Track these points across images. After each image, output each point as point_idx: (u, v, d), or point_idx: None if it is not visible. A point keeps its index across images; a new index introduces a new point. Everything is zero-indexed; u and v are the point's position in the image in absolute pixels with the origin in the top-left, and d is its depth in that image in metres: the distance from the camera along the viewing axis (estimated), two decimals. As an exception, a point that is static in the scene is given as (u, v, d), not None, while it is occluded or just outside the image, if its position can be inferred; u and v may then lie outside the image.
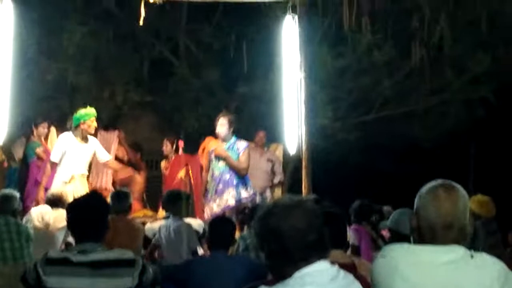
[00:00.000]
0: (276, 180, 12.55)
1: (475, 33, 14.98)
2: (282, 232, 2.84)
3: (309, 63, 11.13)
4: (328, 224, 2.99)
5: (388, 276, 3.16)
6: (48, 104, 14.98)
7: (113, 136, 12.57)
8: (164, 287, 5.66)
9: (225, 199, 10.22)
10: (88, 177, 11.28)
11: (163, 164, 12.99)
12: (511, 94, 15.94)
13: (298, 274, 2.82)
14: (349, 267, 3.73)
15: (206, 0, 12.24)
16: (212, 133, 10.84)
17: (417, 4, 14.84)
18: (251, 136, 12.68)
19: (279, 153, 13.06)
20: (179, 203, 8.49)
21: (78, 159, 10.61)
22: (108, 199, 7.67)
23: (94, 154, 11.07)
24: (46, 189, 10.20)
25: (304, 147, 10.83)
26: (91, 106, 11.01)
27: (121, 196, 8.20)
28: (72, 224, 4.57)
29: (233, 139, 10.47)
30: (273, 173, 12.52)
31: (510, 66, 15.24)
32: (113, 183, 12.32)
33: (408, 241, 3.32)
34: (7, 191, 8.00)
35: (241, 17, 15.50)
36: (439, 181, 3.27)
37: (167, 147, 12.78)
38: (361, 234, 7.88)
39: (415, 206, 3.27)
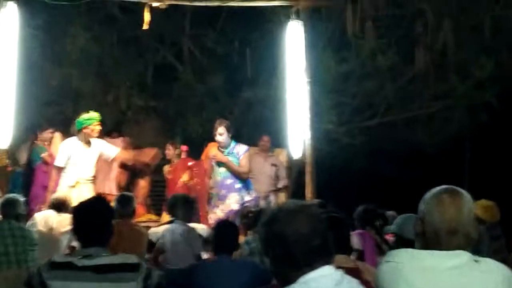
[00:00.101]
0: (280, 185, 12.54)
1: (478, 38, 14.98)
2: (287, 237, 2.84)
3: (313, 68, 11.17)
4: (332, 229, 2.99)
5: (393, 281, 3.16)
6: (52, 109, 15.02)
7: (118, 143, 12.56)
8: (168, 292, 5.67)
9: (228, 204, 10.23)
10: (93, 182, 11.28)
11: (166, 168, 13.00)
12: (515, 99, 15.94)
13: (302, 279, 2.82)
14: (354, 272, 3.74)
15: (210, 5, 12.23)
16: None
17: (420, 10, 14.85)
18: (255, 141, 12.68)
19: (283, 157, 13.06)
20: (184, 207, 8.49)
21: (83, 163, 10.61)
22: (113, 203, 7.68)
23: (100, 157, 11.06)
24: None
25: (308, 152, 10.85)
26: (95, 111, 11.00)
27: (125, 200, 8.20)
28: (77, 228, 4.57)
29: (233, 143, 10.47)
30: (277, 177, 12.51)
31: (513, 71, 15.26)
32: (119, 189, 12.32)
33: (413, 246, 3.32)
34: (12, 195, 8.00)
35: (245, 22, 15.53)
36: (443, 187, 3.27)
37: (170, 151, 12.78)
38: (365, 238, 7.87)
39: (419, 211, 3.27)
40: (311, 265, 2.83)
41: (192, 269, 6.32)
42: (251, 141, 12.46)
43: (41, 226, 8.73)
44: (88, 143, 10.66)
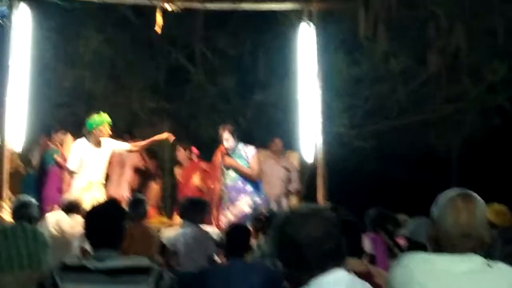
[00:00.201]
0: (292, 188, 12.52)
1: (491, 42, 14.94)
2: (299, 240, 2.85)
3: (325, 70, 11.17)
4: (344, 233, 2.99)
5: (405, 285, 3.15)
6: (64, 110, 15.06)
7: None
8: (180, 295, 5.67)
9: (239, 206, 10.23)
10: (105, 185, 11.31)
11: (177, 171, 13.01)
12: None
13: (314, 282, 2.82)
14: (365, 276, 3.74)
15: (222, 7, 12.25)
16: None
17: (433, 12, 14.81)
18: (267, 143, 12.68)
19: (294, 160, 13.04)
20: (196, 210, 8.50)
21: (94, 164, 10.64)
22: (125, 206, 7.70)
23: (113, 158, 11.08)
24: None
25: (319, 155, 10.85)
26: (107, 112, 11.03)
27: (137, 202, 8.24)
28: (90, 231, 4.58)
29: (240, 145, 10.47)
30: (289, 180, 12.48)
31: (526, 75, 15.21)
32: (131, 191, 12.33)
33: (425, 250, 3.32)
34: (25, 197, 8.01)
35: (257, 25, 15.52)
36: (456, 190, 3.27)
37: (181, 153, 12.79)
38: (377, 242, 7.86)
39: (432, 215, 3.27)
40: (323, 268, 2.83)
41: (204, 272, 6.32)
42: (262, 144, 12.46)
43: (53, 229, 8.75)
44: (98, 144, 10.69)
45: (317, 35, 11.08)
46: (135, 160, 12.71)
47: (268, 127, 15.10)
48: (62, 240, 8.66)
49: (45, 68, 14.13)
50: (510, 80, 15.22)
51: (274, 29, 15.34)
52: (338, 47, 15.06)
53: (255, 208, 10.16)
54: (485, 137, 16.54)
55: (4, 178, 9.74)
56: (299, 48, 11.38)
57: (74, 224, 8.75)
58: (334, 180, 11.30)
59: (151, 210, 10.29)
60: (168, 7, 10.67)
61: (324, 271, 2.83)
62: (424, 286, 3.10)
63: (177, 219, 10.26)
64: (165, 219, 11.77)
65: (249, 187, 10.33)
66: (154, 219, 11.27)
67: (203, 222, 8.67)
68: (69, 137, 12.08)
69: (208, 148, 13.17)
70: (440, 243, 3.21)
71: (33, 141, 11.91)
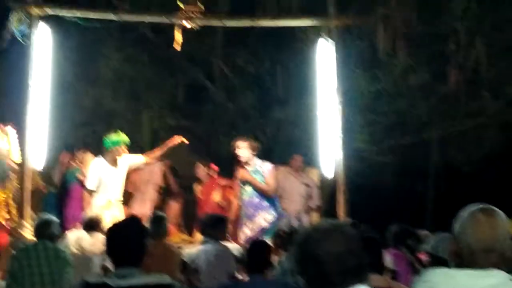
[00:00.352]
0: (312, 204, 12.51)
1: (511, 57, 14.91)
2: (321, 256, 2.83)
3: (345, 87, 11.16)
4: (365, 249, 2.98)
5: (428, 301, 3.14)
6: (85, 129, 15.14)
7: (158, 166, 12.61)
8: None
9: (257, 222, 10.23)
10: (129, 203, 11.38)
11: (197, 188, 13.02)
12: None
13: (337, 299, 2.82)
14: (388, 292, 3.73)
15: (240, 24, 12.29)
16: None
17: (453, 28, 14.81)
18: (287, 160, 12.68)
19: (315, 177, 13.03)
20: (219, 227, 8.50)
21: (112, 183, 10.69)
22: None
23: (137, 176, 11.11)
24: None
25: (340, 171, 10.83)
26: (127, 131, 11.07)
27: (158, 220, 8.24)
28: (111, 249, 4.58)
29: (257, 161, 10.47)
30: (309, 197, 12.47)
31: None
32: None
33: (447, 265, 3.30)
34: (46, 216, 8.03)
35: (276, 42, 15.57)
36: (478, 205, 3.25)
37: (200, 170, 12.81)
38: (398, 258, 7.82)
39: (454, 230, 3.25)
40: (346, 285, 2.82)
41: (225, 288, 6.32)
42: (282, 160, 12.47)
43: (73, 247, 8.78)
44: (115, 162, 10.74)
45: (336, 51, 11.07)
46: (159, 178, 12.74)
47: (288, 144, 15.12)
48: (83, 258, 8.68)
49: (65, 87, 14.23)
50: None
51: (293, 46, 15.37)
52: (357, 63, 15.06)
53: (272, 223, 10.17)
54: (505, 151, 16.47)
55: (25, 196, 9.78)
56: (318, 65, 11.38)
57: (95, 242, 8.78)
58: (355, 196, 11.27)
59: (171, 228, 10.29)
60: (187, 24, 10.71)
61: (346, 287, 2.82)
62: (447, 301, 3.08)
63: (197, 236, 10.26)
64: (185, 236, 11.78)
65: (265, 203, 10.32)
66: (174, 237, 11.27)
67: (223, 238, 8.66)
68: (90, 156, 12.12)
69: (227, 165, 13.19)
70: (462, 258, 3.19)
71: (54, 160, 11.95)
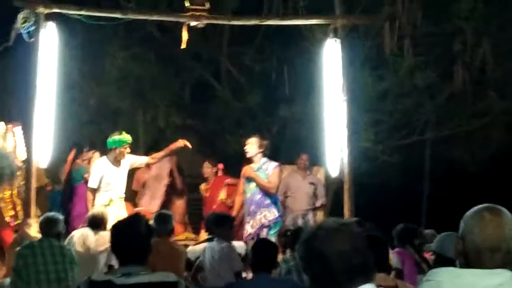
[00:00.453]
0: (318, 203, 12.52)
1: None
2: (327, 255, 2.83)
3: (351, 86, 11.14)
4: (370, 247, 2.97)
5: (433, 300, 3.13)
6: (91, 127, 15.15)
7: (166, 161, 12.62)
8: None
9: (258, 219, 10.26)
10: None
11: (202, 187, 13.02)
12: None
13: (343, 297, 2.81)
14: (393, 291, 3.72)
15: (247, 23, 12.28)
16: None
17: (459, 27, 14.78)
18: (293, 159, 12.68)
19: (320, 176, 13.04)
20: (224, 226, 8.50)
21: (115, 182, 10.71)
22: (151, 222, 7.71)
23: (146, 174, 11.12)
24: None
25: (345, 170, 10.82)
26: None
27: (163, 218, 8.24)
28: (116, 247, 4.58)
29: (264, 160, 10.51)
30: (315, 196, 12.48)
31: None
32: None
33: (453, 264, 3.29)
34: (52, 214, 8.04)
35: (283, 41, 15.57)
36: (484, 205, 3.23)
37: (208, 169, 12.82)
38: (404, 257, 7.82)
39: (460, 230, 3.24)
40: (351, 283, 2.81)
41: (230, 287, 6.31)
42: (288, 159, 12.48)
43: (78, 246, 8.77)
44: (118, 162, 10.76)
45: (343, 50, 11.05)
46: (167, 174, 12.77)
47: (294, 142, 15.12)
48: (88, 256, 8.68)
49: (71, 85, 14.24)
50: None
51: (299, 45, 15.36)
52: (364, 62, 15.05)
53: (273, 222, 10.21)
54: (511, 151, 16.44)
55: (31, 194, 9.79)
56: (325, 64, 11.37)
57: (100, 240, 8.77)
58: (360, 195, 11.26)
59: (177, 226, 10.30)
60: (194, 23, 10.70)
61: (352, 286, 2.81)
62: (452, 301, 3.07)
63: (203, 234, 10.27)
64: (191, 235, 11.78)
65: (267, 201, 10.36)
66: (180, 235, 11.28)
67: (229, 237, 8.66)
68: (96, 155, 12.14)
69: (234, 163, 13.21)
70: (468, 258, 3.17)
71: (59, 158, 11.96)
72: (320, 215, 12.55)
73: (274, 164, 10.55)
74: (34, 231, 8.85)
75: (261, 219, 10.25)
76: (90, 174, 11.29)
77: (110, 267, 7.99)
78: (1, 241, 10.10)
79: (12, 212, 10.27)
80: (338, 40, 11.07)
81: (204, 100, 17.11)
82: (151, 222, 7.75)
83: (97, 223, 9.09)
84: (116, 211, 10.18)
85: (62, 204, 11.88)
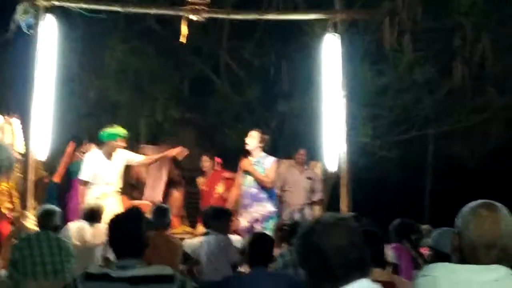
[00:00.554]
0: (315, 198, 12.51)
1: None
2: (324, 249, 2.83)
3: (350, 81, 11.13)
4: (366, 242, 2.98)
5: (429, 294, 3.13)
6: (89, 120, 15.14)
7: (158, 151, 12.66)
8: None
9: (251, 212, 10.29)
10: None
11: (200, 180, 13.03)
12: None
13: (339, 292, 2.81)
14: (388, 286, 3.72)
15: (247, 18, 12.26)
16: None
17: (459, 23, 14.78)
18: (291, 153, 12.69)
19: (318, 170, 13.03)
20: (222, 219, 8.50)
21: (107, 176, 10.70)
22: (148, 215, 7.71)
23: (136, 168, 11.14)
24: None
25: (343, 165, 10.82)
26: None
27: (160, 212, 8.24)
28: (112, 240, 4.58)
29: (262, 154, 10.53)
30: (312, 191, 12.48)
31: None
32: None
33: (449, 260, 3.29)
34: (49, 206, 8.04)
35: (282, 35, 15.57)
36: (480, 201, 3.24)
37: (206, 163, 12.83)
38: (401, 252, 7.82)
39: (456, 226, 3.24)
40: (348, 278, 2.82)
41: (227, 281, 6.30)
42: (286, 154, 12.48)
43: (75, 239, 8.76)
44: (111, 155, 10.75)
45: (342, 45, 11.04)
46: (169, 162, 12.80)
47: (292, 137, 15.13)
48: (84, 249, 8.67)
49: (70, 78, 14.23)
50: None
51: (299, 40, 15.36)
52: (363, 57, 15.06)
53: (267, 216, 10.23)
54: (510, 147, 16.45)
55: (28, 187, 9.78)
56: (324, 59, 11.36)
57: (96, 233, 8.77)
58: (358, 190, 11.26)
59: (173, 219, 10.30)
60: (193, 17, 10.68)
61: (348, 281, 2.82)
62: (448, 296, 3.08)
63: (200, 228, 10.28)
64: (188, 228, 11.79)
65: (262, 195, 10.37)
66: (177, 228, 11.29)
67: (227, 231, 8.66)
68: (94, 148, 12.14)
69: (232, 157, 13.21)
70: (464, 254, 3.18)
71: (58, 151, 11.96)
72: (317, 210, 12.55)
73: (272, 159, 10.56)
74: (31, 223, 8.87)
75: (253, 213, 10.28)
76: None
77: (106, 260, 8.01)
78: (-2, 233, 10.12)
79: (9, 204, 10.26)
80: (338, 35, 11.06)
81: (203, 94, 17.11)
82: (148, 215, 7.76)
83: (93, 216, 9.08)
84: (109, 204, 10.16)
85: (60, 197, 11.87)
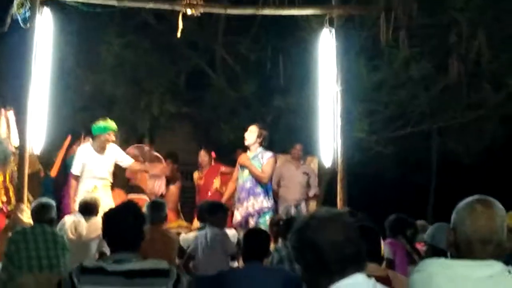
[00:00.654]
0: (311, 193, 12.52)
1: (512, 48, 14.90)
2: (319, 244, 2.83)
3: (345, 76, 11.14)
4: (362, 237, 2.98)
5: (424, 290, 3.14)
6: (85, 114, 15.11)
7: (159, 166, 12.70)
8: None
9: (245, 206, 10.30)
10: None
11: (196, 175, 13.03)
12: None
13: (334, 287, 2.81)
14: (383, 280, 3.72)
15: (243, 13, 12.25)
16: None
17: (455, 19, 14.76)
18: (287, 149, 12.69)
19: (314, 166, 13.05)
20: (218, 214, 8.50)
21: (98, 169, 10.71)
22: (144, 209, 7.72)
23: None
24: (74, 203, 10.34)
25: (339, 160, 10.83)
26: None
27: (157, 206, 8.25)
28: (108, 234, 4.59)
29: (260, 149, 10.54)
30: (308, 186, 12.49)
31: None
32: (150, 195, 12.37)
33: (445, 255, 3.30)
34: (44, 200, 8.03)
35: (278, 30, 15.55)
36: (476, 196, 3.25)
37: (204, 158, 12.83)
38: (396, 248, 7.84)
39: (452, 221, 3.25)
40: (343, 273, 2.82)
41: (222, 276, 6.30)
42: (282, 149, 12.48)
43: (70, 233, 8.75)
44: (102, 149, 10.76)
45: (338, 40, 11.05)
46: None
47: (288, 132, 15.11)
48: (79, 243, 8.66)
49: (66, 72, 14.21)
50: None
51: (295, 35, 15.35)
52: (359, 53, 15.04)
53: (261, 211, 10.24)
54: (506, 144, 16.47)
55: (24, 180, 9.78)
56: (320, 54, 11.37)
57: (91, 227, 8.76)
58: (354, 186, 11.28)
59: (169, 214, 10.32)
60: (190, 12, 10.67)
61: (344, 276, 2.82)
62: (443, 291, 3.08)
63: (196, 222, 10.28)
64: (184, 223, 11.79)
65: (258, 189, 10.39)
66: (173, 223, 11.29)
67: (223, 225, 8.67)
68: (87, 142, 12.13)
69: (228, 152, 13.22)
70: (460, 249, 3.19)
71: (53, 144, 11.95)
72: (313, 205, 12.56)
73: (269, 154, 10.58)
74: (26, 216, 8.85)
75: (248, 207, 10.30)
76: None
77: (101, 254, 8.01)
78: (-7, 226, 10.10)
79: (4, 198, 10.26)
80: (334, 30, 11.07)
81: (199, 89, 17.10)
82: (144, 209, 7.76)
83: (89, 209, 9.07)
84: (100, 198, 10.15)
85: (56, 191, 11.86)
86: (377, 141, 16.02)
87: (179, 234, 9.32)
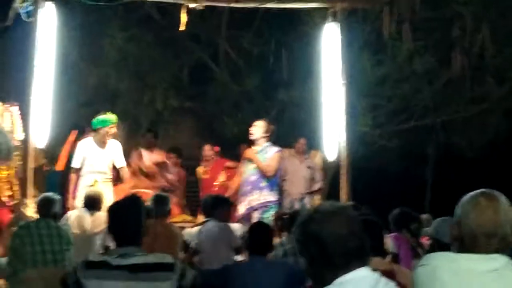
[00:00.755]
0: (315, 187, 12.50)
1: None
2: (323, 238, 2.83)
3: (349, 70, 11.13)
4: (365, 231, 2.98)
5: (429, 283, 3.13)
6: (88, 109, 15.11)
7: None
8: (203, 292, 5.66)
9: (249, 200, 10.31)
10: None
11: (200, 169, 13.02)
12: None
13: (338, 281, 2.80)
14: (388, 274, 3.71)
15: (247, 6, 12.24)
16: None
17: (458, 13, 14.75)
18: (290, 143, 12.68)
19: (318, 160, 13.02)
20: (222, 208, 8.51)
21: (99, 163, 10.69)
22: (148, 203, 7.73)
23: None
24: (74, 198, 10.34)
25: (343, 154, 10.83)
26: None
27: (161, 200, 8.25)
28: (112, 228, 4.59)
29: (266, 144, 10.55)
30: (312, 180, 12.47)
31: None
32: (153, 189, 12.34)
33: (449, 249, 3.30)
34: (49, 194, 8.03)
35: (282, 24, 15.52)
36: (480, 190, 3.24)
37: (209, 152, 12.82)
38: (400, 242, 7.83)
39: (456, 215, 3.25)
40: (347, 266, 2.82)
41: (226, 270, 6.32)
42: (286, 143, 12.46)
43: (74, 227, 8.76)
44: (103, 143, 10.74)
45: (342, 34, 11.04)
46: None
47: (292, 126, 15.09)
48: (84, 237, 8.68)
49: (69, 66, 14.20)
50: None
51: (298, 29, 15.33)
52: (363, 47, 15.03)
53: (266, 205, 10.24)
54: (509, 137, 16.46)
55: (28, 174, 9.78)
56: (323, 48, 11.36)
57: (96, 221, 8.78)
58: (358, 180, 11.28)
59: (174, 208, 10.31)
60: (193, 5, 10.65)
61: (348, 269, 2.82)
62: (447, 284, 3.07)
63: (200, 217, 10.29)
64: (188, 217, 11.79)
65: (263, 183, 10.40)
66: (177, 217, 11.29)
67: (227, 219, 8.67)
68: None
69: (231, 146, 13.21)
70: (464, 243, 3.18)
71: (57, 139, 11.95)
72: (317, 199, 12.54)
73: (275, 149, 10.60)
74: (31, 211, 8.87)
75: (252, 201, 10.30)
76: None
77: (106, 248, 8.02)
78: (-2, 221, 10.12)
79: (9, 192, 10.26)
80: (337, 24, 11.06)
81: (202, 82, 17.08)
82: (148, 203, 7.77)
83: (93, 204, 9.08)
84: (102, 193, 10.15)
85: (61, 185, 11.86)
86: (381, 135, 16.02)
87: (183, 228, 9.31)
